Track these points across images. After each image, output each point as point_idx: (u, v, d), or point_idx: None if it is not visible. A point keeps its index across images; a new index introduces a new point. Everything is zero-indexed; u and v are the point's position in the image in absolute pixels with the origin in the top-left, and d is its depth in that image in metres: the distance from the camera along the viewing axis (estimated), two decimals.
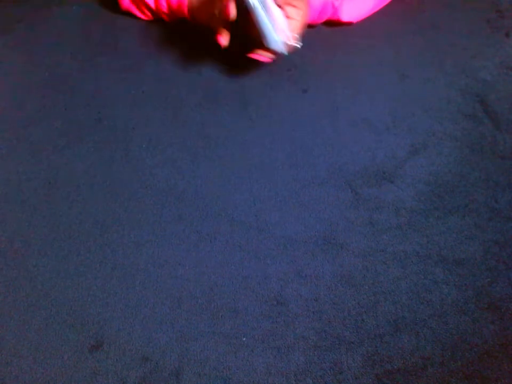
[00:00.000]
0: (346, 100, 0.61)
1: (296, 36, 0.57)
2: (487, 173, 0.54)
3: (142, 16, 0.72)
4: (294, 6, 0.56)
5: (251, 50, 0.59)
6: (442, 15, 0.72)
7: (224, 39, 0.57)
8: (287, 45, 0.56)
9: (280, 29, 0.55)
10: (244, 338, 0.44)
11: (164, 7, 0.66)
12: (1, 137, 0.60)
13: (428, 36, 0.69)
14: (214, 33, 0.58)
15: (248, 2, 0.51)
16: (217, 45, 0.58)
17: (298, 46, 0.58)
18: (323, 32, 0.70)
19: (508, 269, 0.47)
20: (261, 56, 0.59)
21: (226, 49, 0.58)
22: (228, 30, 0.57)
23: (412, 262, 0.48)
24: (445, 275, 0.47)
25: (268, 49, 0.57)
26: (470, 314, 0.44)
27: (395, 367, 0.42)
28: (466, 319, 0.44)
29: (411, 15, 0.72)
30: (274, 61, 0.61)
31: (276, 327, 0.44)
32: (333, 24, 0.70)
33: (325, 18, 0.68)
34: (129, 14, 0.73)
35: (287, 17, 0.57)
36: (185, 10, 0.64)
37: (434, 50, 0.67)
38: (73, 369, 0.42)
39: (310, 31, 0.69)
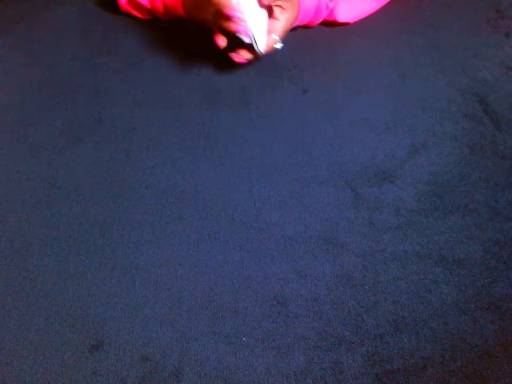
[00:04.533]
0: (346, 99, 0.61)
1: (277, 37, 0.57)
2: (487, 173, 0.54)
3: (141, 16, 0.72)
4: (280, 7, 0.56)
5: (233, 49, 0.58)
6: (442, 15, 0.72)
7: (221, 40, 0.57)
8: (265, 45, 0.56)
9: (260, 30, 0.55)
10: (244, 338, 0.44)
11: (160, 7, 0.66)
12: (1, 137, 0.60)
13: (428, 36, 0.69)
14: (212, 33, 0.58)
15: None
16: (216, 45, 0.57)
17: (278, 47, 0.58)
18: (323, 32, 0.70)
19: (508, 269, 0.47)
20: (238, 56, 0.58)
21: (226, 48, 0.58)
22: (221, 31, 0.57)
23: (412, 262, 0.48)
24: (445, 275, 0.47)
25: (248, 49, 0.57)
26: (470, 314, 0.44)
27: (395, 367, 0.42)
28: (466, 319, 0.44)
29: (411, 15, 0.72)
30: (250, 62, 0.60)
31: (276, 327, 0.44)
32: (331, 24, 0.70)
33: (320, 19, 0.68)
34: (129, 14, 0.73)
35: (272, 17, 0.57)
36: (181, 9, 0.64)
37: (434, 50, 0.67)
38: (73, 369, 0.42)
39: (310, 31, 0.69)
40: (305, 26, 0.69)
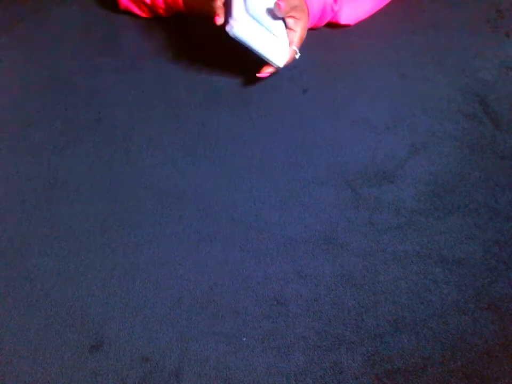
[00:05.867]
0: (346, 99, 0.61)
1: (296, 48, 0.57)
2: (487, 173, 0.54)
3: (141, 14, 0.72)
4: (294, 18, 0.56)
5: (259, 68, 0.59)
6: (442, 15, 0.72)
7: (221, 18, 0.55)
8: (285, 57, 0.57)
9: (279, 43, 0.56)
10: (244, 338, 0.44)
11: (160, 2, 0.66)
12: (1, 137, 0.60)
13: (428, 35, 0.69)
14: (211, 19, 0.56)
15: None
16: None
17: (297, 56, 0.58)
18: (323, 32, 0.70)
19: (508, 269, 0.47)
20: (265, 73, 0.59)
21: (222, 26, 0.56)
22: (223, 11, 0.56)
23: (412, 262, 0.48)
24: (445, 275, 0.47)
25: (268, 64, 0.58)
26: (470, 314, 0.44)
27: (395, 367, 0.42)
28: (466, 319, 0.44)
29: (411, 15, 0.72)
30: (272, 74, 0.61)
31: (276, 327, 0.44)
32: (332, 25, 0.70)
33: (325, 22, 0.68)
34: (128, 13, 0.73)
35: (287, 29, 0.57)
36: (181, 2, 0.64)
37: (434, 50, 0.67)
38: (73, 369, 0.42)
39: (310, 32, 0.69)
40: (309, 29, 0.69)
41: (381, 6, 0.72)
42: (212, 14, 0.57)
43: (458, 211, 0.51)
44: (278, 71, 0.60)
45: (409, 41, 0.68)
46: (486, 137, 0.57)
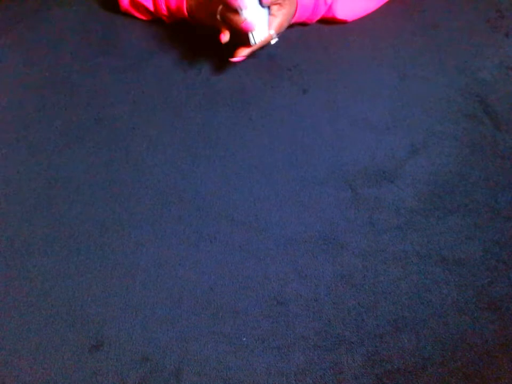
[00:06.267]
0: (346, 99, 0.61)
1: (272, 32, 0.58)
2: (487, 173, 0.54)
3: (142, 17, 0.72)
4: (278, 4, 0.57)
5: (234, 46, 0.59)
6: (442, 15, 0.72)
7: (225, 36, 0.58)
8: (261, 36, 0.57)
9: (260, 21, 0.56)
10: (244, 338, 0.44)
11: (163, 9, 0.67)
12: (1, 137, 0.60)
13: (428, 35, 0.69)
14: (215, 32, 0.58)
15: None
16: (218, 43, 0.58)
17: (273, 42, 0.59)
18: (323, 31, 0.70)
19: (508, 269, 0.47)
20: (239, 57, 0.59)
21: (226, 44, 0.58)
22: (228, 28, 0.58)
23: (412, 262, 0.48)
24: (445, 275, 0.47)
25: (245, 42, 0.57)
26: (470, 314, 0.44)
27: (395, 367, 0.42)
28: (466, 319, 0.44)
29: (411, 14, 0.72)
30: (247, 58, 0.61)
31: (276, 327, 0.44)
32: (330, 22, 0.70)
33: (319, 16, 0.68)
34: (129, 14, 0.73)
35: (270, 14, 0.58)
36: (184, 11, 0.65)
37: (434, 50, 0.67)
38: (73, 369, 0.42)
39: (310, 31, 0.69)
40: (304, 24, 0.69)
41: (380, 4, 0.72)
42: (215, 24, 0.58)
43: (458, 211, 0.51)
44: (252, 53, 0.59)
45: (409, 41, 0.68)
46: (486, 137, 0.57)
